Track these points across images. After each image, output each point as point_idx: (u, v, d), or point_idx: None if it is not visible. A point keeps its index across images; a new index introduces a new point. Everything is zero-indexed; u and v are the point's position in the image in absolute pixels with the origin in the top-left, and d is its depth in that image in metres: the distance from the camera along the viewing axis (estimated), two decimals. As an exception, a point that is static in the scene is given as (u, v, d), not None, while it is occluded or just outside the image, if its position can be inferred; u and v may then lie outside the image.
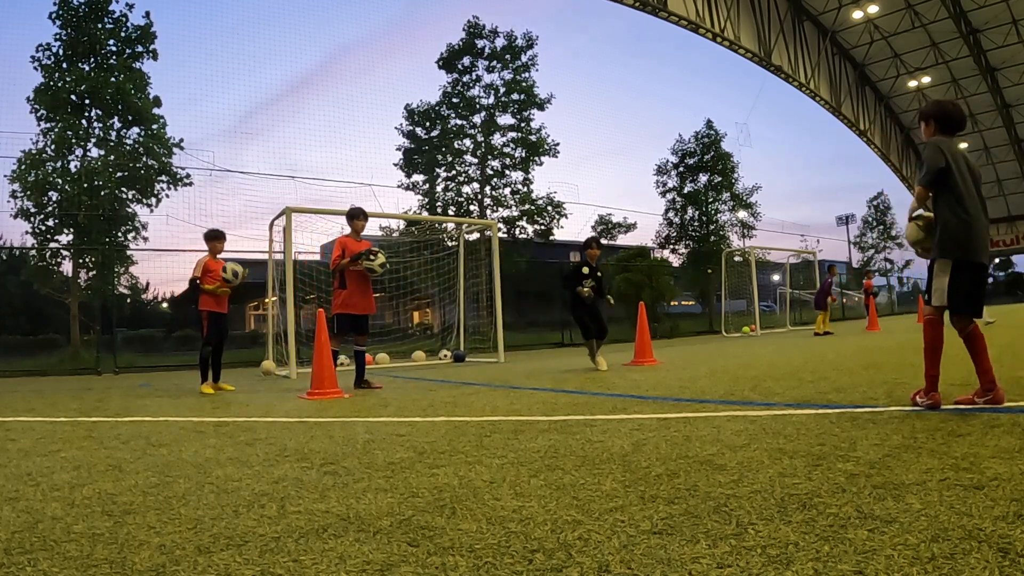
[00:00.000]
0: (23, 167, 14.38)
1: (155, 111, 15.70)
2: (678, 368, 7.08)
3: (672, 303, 24.98)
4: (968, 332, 3.33)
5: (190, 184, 16.07)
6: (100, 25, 15.35)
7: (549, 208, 21.72)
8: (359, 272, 6.53)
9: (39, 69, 14.99)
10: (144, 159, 15.53)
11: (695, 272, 24.95)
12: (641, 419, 3.54)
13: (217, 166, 17.94)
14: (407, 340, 14.89)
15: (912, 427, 2.87)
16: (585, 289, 7.53)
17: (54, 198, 14.67)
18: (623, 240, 27.40)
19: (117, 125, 15.59)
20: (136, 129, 15.68)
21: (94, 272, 15.27)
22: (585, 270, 7.66)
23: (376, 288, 14.71)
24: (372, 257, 6.49)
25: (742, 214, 26.08)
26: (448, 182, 21.80)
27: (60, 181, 14.62)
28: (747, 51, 28.62)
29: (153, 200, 15.70)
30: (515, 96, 21.62)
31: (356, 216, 6.79)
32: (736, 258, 22.10)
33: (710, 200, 25.49)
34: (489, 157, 21.73)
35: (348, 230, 6.85)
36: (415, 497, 2.15)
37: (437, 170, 21.69)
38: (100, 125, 15.49)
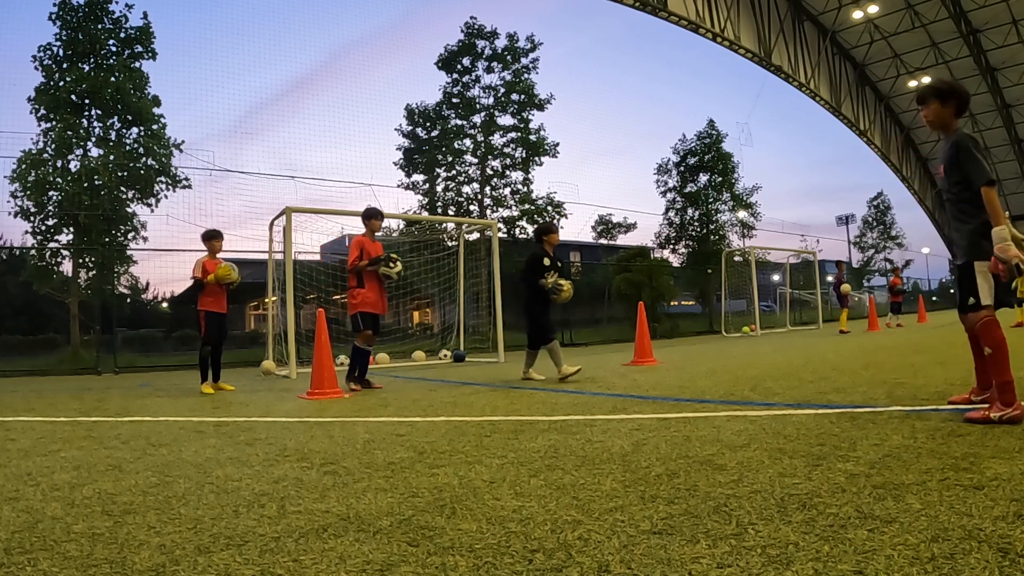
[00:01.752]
0: (23, 167, 14.39)
1: (155, 111, 15.73)
2: (678, 368, 7.08)
3: (672, 303, 24.95)
4: (980, 326, 3.29)
5: (188, 187, 16.10)
6: (100, 25, 15.37)
7: (549, 208, 21.70)
8: (376, 272, 6.57)
9: (39, 69, 15.02)
10: (144, 159, 15.54)
11: (695, 272, 24.94)
12: (641, 419, 3.54)
13: (217, 166, 17.99)
14: (407, 340, 14.89)
15: (912, 427, 2.87)
16: (551, 279, 6.37)
17: (54, 198, 14.67)
18: (623, 240, 27.46)
19: (117, 125, 15.60)
20: (136, 129, 15.69)
21: (94, 272, 15.27)
22: (547, 262, 6.54)
23: (379, 287, 14.74)
24: (392, 264, 6.55)
25: (742, 214, 26.07)
26: (448, 182, 21.80)
27: (60, 181, 14.62)
28: (747, 51, 28.63)
29: (153, 200, 15.72)
30: (515, 96, 21.61)
31: (373, 216, 6.84)
32: (736, 258, 22.09)
33: (710, 200, 25.49)
34: (489, 157, 21.72)
35: (357, 230, 6.87)
36: (415, 497, 2.14)
37: (437, 170, 21.68)
38: (100, 125, 15.50)
